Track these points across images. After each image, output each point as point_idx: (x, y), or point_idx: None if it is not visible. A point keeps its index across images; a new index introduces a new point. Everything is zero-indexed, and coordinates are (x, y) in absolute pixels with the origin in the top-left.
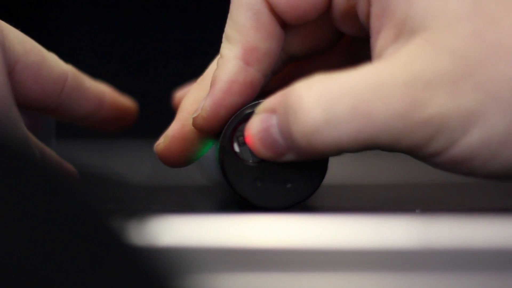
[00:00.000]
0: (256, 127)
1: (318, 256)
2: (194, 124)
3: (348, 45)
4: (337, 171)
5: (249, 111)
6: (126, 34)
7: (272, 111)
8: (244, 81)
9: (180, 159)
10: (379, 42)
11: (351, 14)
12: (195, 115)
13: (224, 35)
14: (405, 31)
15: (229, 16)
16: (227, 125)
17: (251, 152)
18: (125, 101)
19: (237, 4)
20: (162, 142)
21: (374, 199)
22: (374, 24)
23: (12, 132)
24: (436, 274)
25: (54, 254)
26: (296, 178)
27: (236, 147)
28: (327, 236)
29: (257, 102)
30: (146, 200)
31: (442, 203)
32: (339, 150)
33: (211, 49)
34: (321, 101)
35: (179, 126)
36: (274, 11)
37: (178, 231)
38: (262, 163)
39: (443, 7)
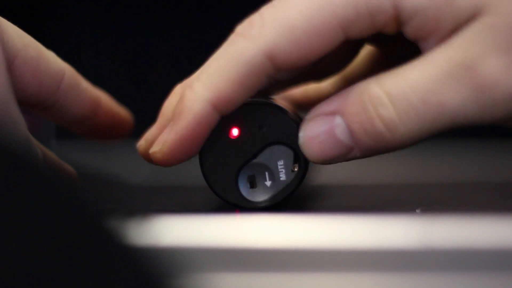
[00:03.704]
0: (315, 131)
1: (318, 256)
2: (153, 157)
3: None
4: (337, 171)
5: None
6: (126, 34)
7: (333, 113)
8: (207, 125)
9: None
10: (430, 44)
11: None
12: (155, 149)
13: (202, 72)
14: (456, 28)
15: (216, 61)
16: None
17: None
18: (121, 110)
19: (235, 57)
20: (143, 144)
21: (374, 199)
22: (416, 35)
23: (13, 129)
24: (436, 274)
25: (54, 254)
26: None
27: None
28: (327, 236)
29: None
30: (146, 200)
31: (442, 203)
32: (421, 138)
33: (212, 49)
34: (395, 96)
35: (158, 131)
36: (273, 65)
37: (178, 231)
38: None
39: None
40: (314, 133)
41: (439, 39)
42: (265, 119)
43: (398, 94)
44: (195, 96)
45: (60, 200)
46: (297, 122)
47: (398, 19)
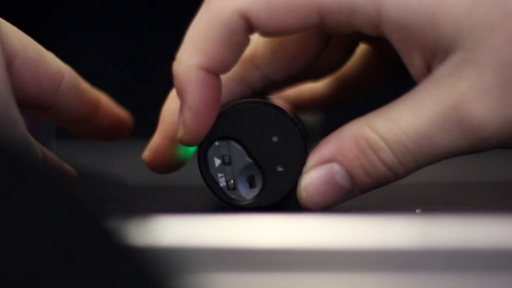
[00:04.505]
0: (316, 183)
1: (318, 256)
2: (183, 143)
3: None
4: None
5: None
6: (126, 34)
7: (329, 160)
8: (211, 88)
9: (167, 167)
10: (412, 63)
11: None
12: (180, 134)
13: (185, 41)
14: (439, 52)
15: (196, 27)
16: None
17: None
18: (120, 112)
19: (211, 19)
20: (148, 154)
21: (374, 199)
22: (399, 46)
23: (12, 129)
24: (436, 274)
25: (54, 255)
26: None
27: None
28: (327, 236)
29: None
30: (146, 200)
31: (442, 203)
32: (420, 168)
33: None
34: (390, 140)
35: (161, 137)
36: (251, 26)
37: (178, 231)
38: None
39: (471, 22)
40: (317, 185)
41: (422, 57)
42: (264, 119)
43: (393, 139)
44: (185, 67)
45: (60, 201)
46: (296, 122)
47: (379, 27)
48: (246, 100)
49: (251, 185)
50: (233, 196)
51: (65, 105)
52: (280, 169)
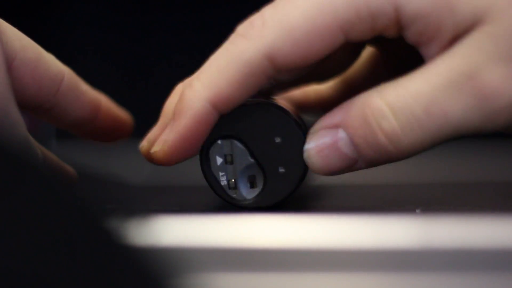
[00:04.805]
0: (319, 145)
1: (318, 256)
2: (154, 157)
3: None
4: None
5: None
6: (126, 34)
7: (336, 126)
8: (207, 124)
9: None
10: (431, 54)
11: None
12: (156, 148)
13: (202, 71)
14: (459, 34)
15: (217, 61)
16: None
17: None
18: (121, 113)
19: (235, 57)
20: (145, 145)
21: (374, 199)
22: (418, 39)
23: (12, 129)
24: (436, 274)
25: (54, 254)
26: (281, 173)
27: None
28: (327, 236)
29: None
30: (146, 200)
31: (442, 203)
32: (425, 149)
33: (212, 50)
34: (397, 107)
35: (160, 130)
36: (275, 66)
37: (178, 231)
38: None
39: None
40: (319, 147)
41: (440, 45)
42: (268, 120)
43: (401, 105)
44: (194, 95)
45: (60, 201)
46: (299, 124)
47: (399, 23)
48: (250, 100)
49: (252, 185)
50: (234, 195)
51: (65, 107)
52: (281, 170)
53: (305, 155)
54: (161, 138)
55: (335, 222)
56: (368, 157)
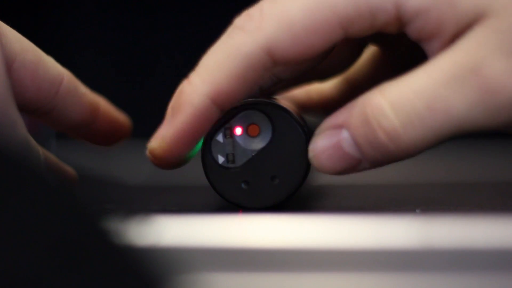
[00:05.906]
0: (323, 145)
1: (318, 256)
2: (152, 154)
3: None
4: None
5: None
6: (125, 36)
7: (340, 126)
8: (206, 119)
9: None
10: (434, 49)
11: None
12: (154, 145)
13: (201, 66)
14: (460, 29)
15: (215, 55)
16: (206, 133)
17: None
18: (119, 115)
19: (233, 50)
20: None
21: (374, 199)
22: (420, 36)
23: (12, 130)
24: (436, 274)
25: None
26: (282, 173)
27: (219, 158)
28: (327, 236)
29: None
30: (146, 200)
31: (442, 203)
32: (427, 147)
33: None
34: (398, 104)
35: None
36: (274, 60)
37: (178, 231)
38: (245, 165)
39: None
40: (323, 147)
41: (443, 41)
42: (271, 119)
43: (402, 102)
44: (193, 90)
45: (60, 202)
46: (301, 124)
47: (400, 20)
48: (252, 100)
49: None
50: (231, 166)
51: (64, 110)
52: (282, 170)
53: (310, 155)
54: (159, 133)
55: (335, 222)
56: (371, 156)
